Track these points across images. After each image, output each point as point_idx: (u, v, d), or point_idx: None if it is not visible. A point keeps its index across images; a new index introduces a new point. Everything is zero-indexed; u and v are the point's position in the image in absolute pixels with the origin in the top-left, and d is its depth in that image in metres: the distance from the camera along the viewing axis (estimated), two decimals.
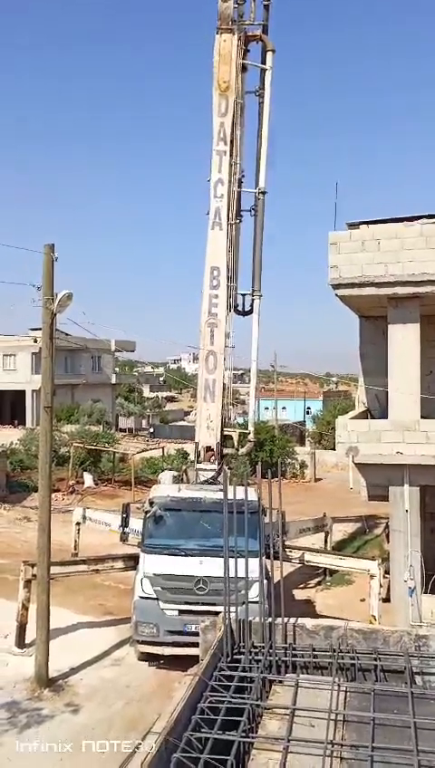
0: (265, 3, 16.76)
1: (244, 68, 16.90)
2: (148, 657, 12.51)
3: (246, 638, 7.17)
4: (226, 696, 6.05)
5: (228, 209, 16.00)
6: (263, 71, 16.99)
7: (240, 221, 16.85)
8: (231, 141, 16.08)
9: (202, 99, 16.63)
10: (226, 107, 16.13)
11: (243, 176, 16.80)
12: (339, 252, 13.43)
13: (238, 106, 16.47)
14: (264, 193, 16.77)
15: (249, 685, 6.43)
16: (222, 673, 6.57)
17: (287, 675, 6.88)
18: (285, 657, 7.08)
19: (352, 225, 14.18)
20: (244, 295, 16.92)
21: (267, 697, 6.42)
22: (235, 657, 7.02)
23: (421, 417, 13.52)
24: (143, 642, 12.31)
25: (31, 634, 12.50)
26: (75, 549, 17.75)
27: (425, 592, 13.92)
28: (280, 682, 6.70)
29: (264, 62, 16.96)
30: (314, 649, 7.14)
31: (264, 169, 16.83)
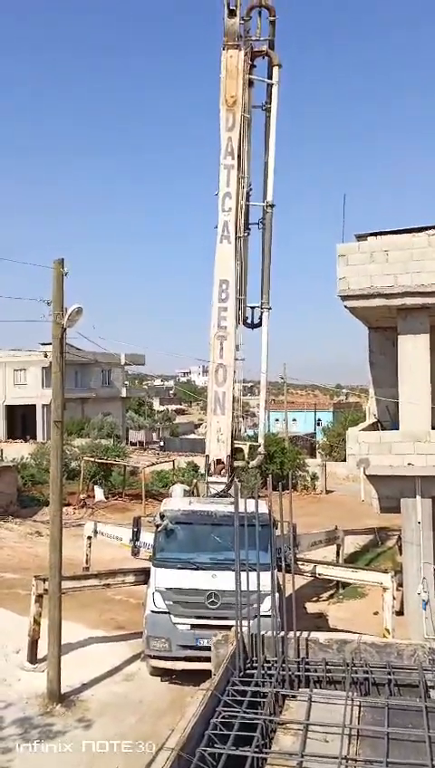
0: (271, 19, 16.92)
1: (250, 83, 17.05)
2: (160, 672, 12.44)
3: (259, 652, 7.13)
4: (239, 711, 6.02)
5: (236, 223, 16.08)
6: (269, 85, 17.12)
7: (248, 234, 16.93)
8: (238, 155, 16.20)
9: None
10: (233, 121, 16.26)
11: (250, 189, 16.90)
12: (347, 263, 13.45)
13: (245, 120, 16.60)
14: (271, 206, 16.85)
15: (262, 699, 6.39)
16: (235, 688, 6.53)
17: (300, 689, 6.83)
18: (298, 671, 7.03)
19: (361, 237, 14.22)
20: (253, 308, 16.97)
21: (280, 712, 6.37)
22: (247, 671, 6.99)
23: (432, 427, 13.46)
24: (155, 657, 12.24)
25: (42, 649, 12.46)
26: (87, 563, 17.74)
27: None
28: (293, 697, 6.65)
29: (270, 76, 17.09)
30: (327, 663, 7.09)
31: (271, 183, 16.93)
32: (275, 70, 17.00)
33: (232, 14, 16.43)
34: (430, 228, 13.56)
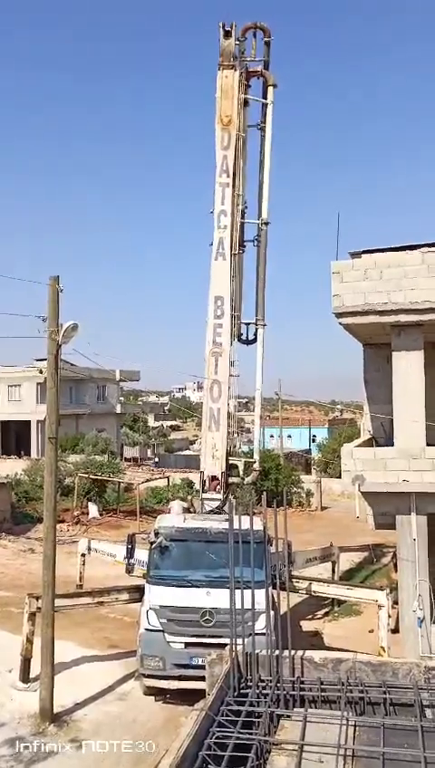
0: (266, 39, 17.15)
1: (245, 102, 17.23)
2: (154, 692, 12.32)
3: (253, 671, 7.09)
4: (233, 732, 5.97)
5: (232, 240, 16.20)
6: (264, 105, 17.31)
7: (243, 251, 17.04)
8: (234, 173, 16.35)
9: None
10: (228, 140, 16.42)
11: (246, 207, 17.05)
12: (342, 281, 13.53)
13: (240, 139, 16.76)
14: (266, 224, 16.99)
15: (257, 719, 6.34)
16: (229, 707, 6.48)
17: (295, 709, 6.78)
18: (293, 690, 6.98)
19: (355, 254, 14.30)
20: (247, 324, 17.03)
21: (275, 732, 6.31)
22: (242, 690, 6.93)
23: (427, 444, 13.48)
24: (149, 676, 12.13)
25: (35, 668, 12.34)
26: (80, 580, 17.62)
27: None
28: (288, 716, 6.60)
29: (265, 96, 17.28)
30: (322, 683, 7.04)
31: (266, 201, 17.08)
32: (270, 90, 17.19)
33: (227, 34, 16.65)
34: (423, 246, 13.65)
